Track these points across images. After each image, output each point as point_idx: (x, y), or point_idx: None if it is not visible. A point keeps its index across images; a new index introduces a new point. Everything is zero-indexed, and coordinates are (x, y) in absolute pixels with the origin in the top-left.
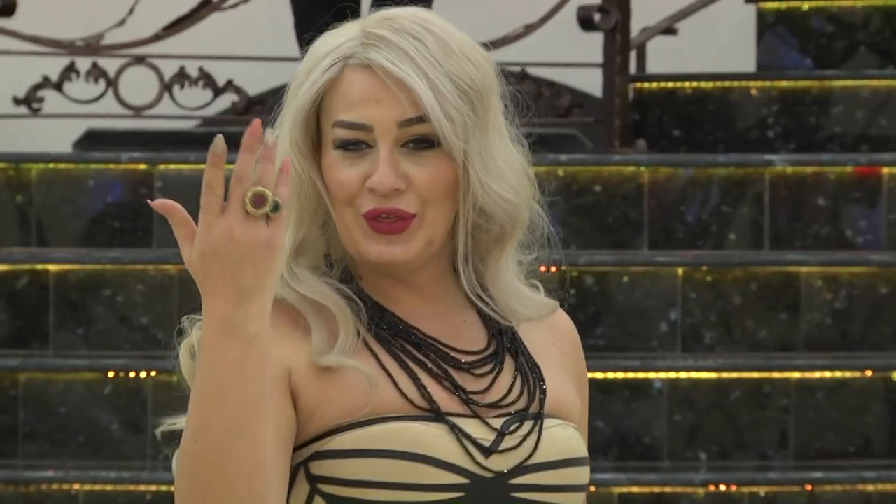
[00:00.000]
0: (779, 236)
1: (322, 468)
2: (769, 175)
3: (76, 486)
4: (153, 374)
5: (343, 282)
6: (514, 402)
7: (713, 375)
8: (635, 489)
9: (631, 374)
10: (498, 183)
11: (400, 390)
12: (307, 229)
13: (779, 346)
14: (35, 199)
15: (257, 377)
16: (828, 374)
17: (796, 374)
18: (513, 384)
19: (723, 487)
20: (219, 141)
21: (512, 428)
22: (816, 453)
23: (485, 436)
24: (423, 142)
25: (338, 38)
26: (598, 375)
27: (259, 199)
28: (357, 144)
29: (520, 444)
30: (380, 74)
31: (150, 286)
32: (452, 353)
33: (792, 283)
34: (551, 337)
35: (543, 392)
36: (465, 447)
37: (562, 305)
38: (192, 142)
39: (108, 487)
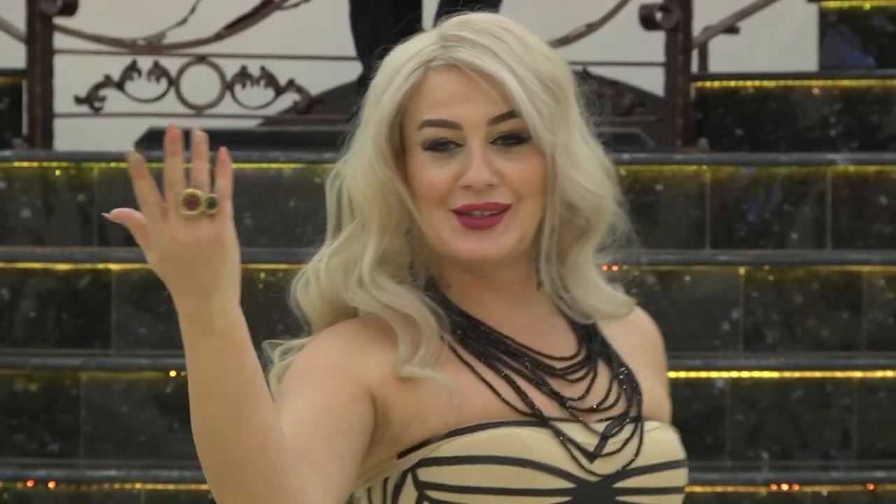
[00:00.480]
0: (841, 235)
1: (430, 475)
2: (831, 174)
3: (138, 486)
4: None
5: (427, 290)
6: (612, 406)
7: (775, 375)
8: (697, 489)
9: (693, 374)
10: (583, 176)
11: (501, 398)
12: (391, 238)
13: (841, 345)
14: (97, 198)
15: (237, 368)
16: (890, 374)
17: (858, 374)
18: (609, 389)
19: (785, 487)
20: (131, 156)
21: (614, 432)
22: (879, 453)
23: (588, 440)
24: (512, 138)
25: (415, 46)
26: None
27: (191, 201)
28: (446, 144)
29: (622, 447)
30: (466, 72)
31: None
32: (546, 360)
33: (854, 282)
34: (636, 338)
35: (640, 395)
36: (570, 451)
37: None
38: (254, 141)
39: (170, 487)
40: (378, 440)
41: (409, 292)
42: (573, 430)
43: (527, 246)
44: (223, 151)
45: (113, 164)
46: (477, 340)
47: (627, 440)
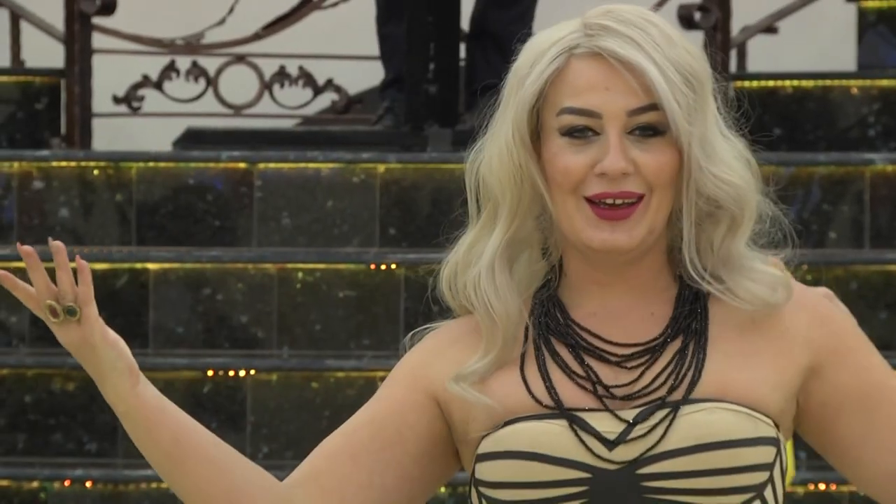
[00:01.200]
0: (879, 235)
1: (477, 471)
2: (870, 174)
3: None
4: (252, 373)
5: (547, 275)
6: (655, 391)
7: None
8: None
9: None
10: (719, 167)
11: (531, 392)
12: (521, 221)
13: (879, 345)
14: (135, 197)
15: (151, 443)
16: None
17: None
18: (660, 373)
19: (822, 486)
20: (21, 250)
21: (644, 417)
22: None
23: (612, 428)
24: (649, 129)
25: (559, 32)
26: None
27: (53, 312)
28: (583, 132)
29: (648, 432)
30: (610, 61)
31: (249, 285)
32: (607, 349)
33: (892, 281)
34: (774, 320)
35: (696, 377)
36: (583, 442)
37: None
38: (292, 140)
39: None
40: (459, 440)
41: (512, 295)
42: (598, 419)
43: (656, 237)
44: (79, 259)
45: (151, 164)
46: (549, 329)
47: (656, 425)
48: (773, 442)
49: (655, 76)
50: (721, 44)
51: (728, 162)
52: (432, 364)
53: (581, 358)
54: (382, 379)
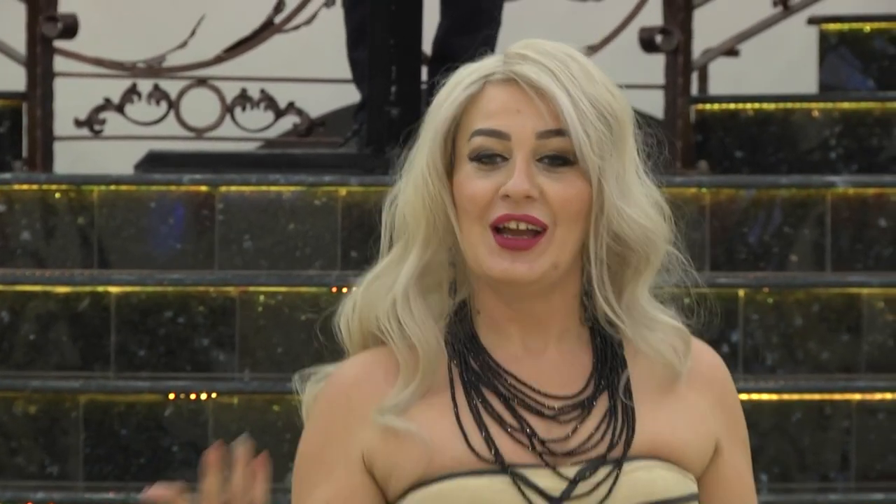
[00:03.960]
0: (841, 258)
1: None
2: (831, 196)
3: None
4: (214, 395)
5: (458, 312)
6: (593, 448)
7: (774, 397)
8: None
9: None
10: (631, 207)
11: (469, 445)
12: (434, 251)
13: (841, 367)
14: (97, 220)
15: None
16: (889, 396)
17: (858, 396)
18: (596, 429)
19: None
20: (208, 459)
21: (586, 475)
22: (878, 475)
23: (554, 485)
24: (559, 158)
25: (480, 64)
26: None
27: None
28: (492, 157)
29: (592, 490)
30: (522, 86)
31: (211, 308)
32: (540, 399)
33: (854, 304)
34: (685, 377)
35: (630, 435)
36: (527, 499)
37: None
38: (254, 164)
39: None
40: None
41: (430, 322)
42: (540, 476)
43: (561, 274)
44: (261, 461)
45: (113, 187)
46: (475, 375)
47: (599, 483)
48: (697, 498)
49: (564, 103)
50: (682, 67)
51: (641, 204)
52: (354, 426)
53: (513, 409)
54: None
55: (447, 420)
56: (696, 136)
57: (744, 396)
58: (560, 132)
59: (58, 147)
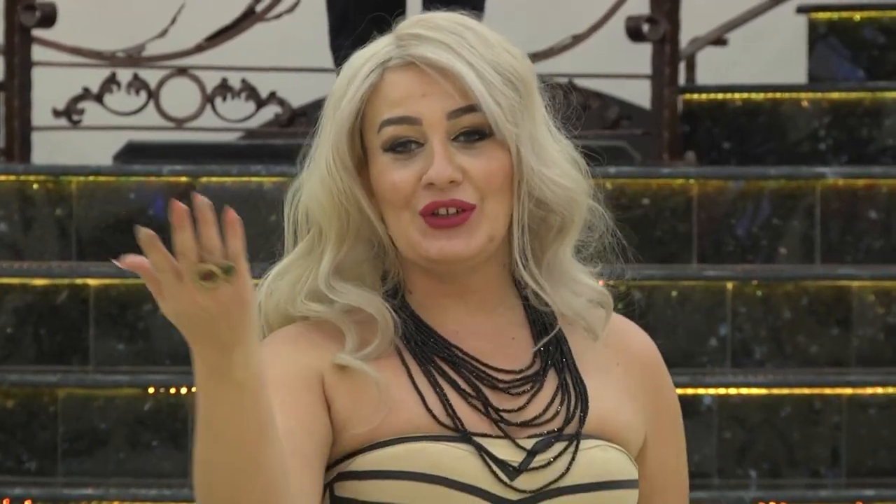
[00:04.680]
0: (830, 250)
1: (344, 489)
2: (820, 188)
3: None
4: (194, 390)
5: (392, 295)
6: (548, 421)
7: (763, 391)
8: None
9: (680, 391)
10: (550, 169)
11: (427, 408)
12: (348, 249)
13: (830, 361)
14: (75, 212)
15: (253, 415)
16: (880, 390)
17: (848, 391)
18: (550, 403)
19: None
20: (142, 232)
21: (543, 448)
22: (868, 470)
23: (512, 457)
24: (474, 133)
25: (371, 49)
26: None
27: (207, 275)
28: (406, 145)
29: (549, 464)
30: (423, 68)
31: None
32: (490, 372)
33: (844, 297)
34: (617, 357)
35: (584, 411)
36: (489, 467)
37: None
38: (235, 154)
39: None
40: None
41: (368, 292)
42: (498, 446)
43: (497, 246)
44: (229, 212)
45: (91, 178)
46: (423, 347)
47: (557, 457)
48: (637, 485)
49: (470, 78)
50: (669, 56)
51: (559, 164)
52: (311, 358)
53: (467, 377)
54: None
55: (401, 381)
56: (683, 127)
57: (732, 391)
58: (471, 108)
59: (36, 137)
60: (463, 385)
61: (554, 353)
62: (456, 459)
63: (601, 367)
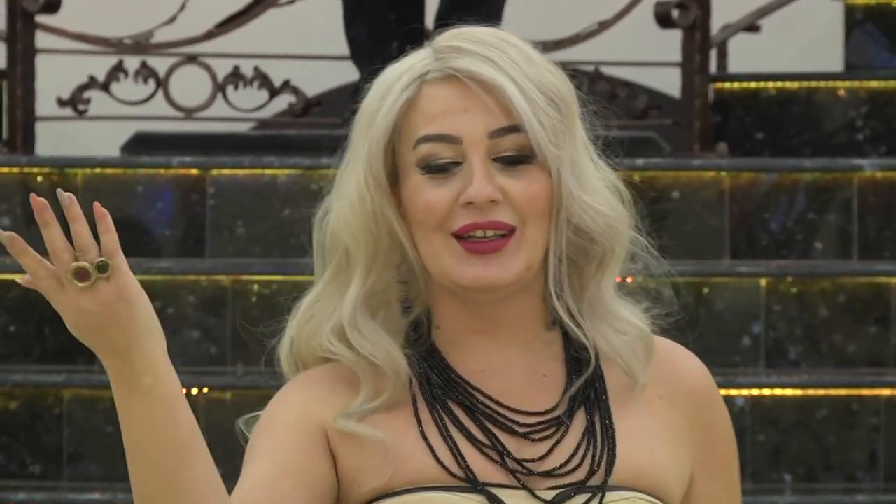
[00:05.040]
0: (868, 245)
1: None
2: (858, 180)
3: None
4: (205, 391)
5: (417, 328)
6: (572, 471)
7: (798, 392)
8: None
9: None
10: (591, 196)
11: (438, 460)
12: (378, 275)
13: (868, 361)
14: (81, 205)
15: (170, 426)
16: None
17: (887, 391)
18: (574, 452)
19: None
20: (3, 235)
21: (563, 501)
22: None
23: None
24: (515, 154)
25: (407, 63)
26: None
27: (82, 273)
28: (444, 167)
29: None
30: (465, 81)
31: (202, 298)
32: (510, 416)
33: (882, 294)
34: (660, 389)
35: (612, 459)
36: None
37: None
38: (247, 145)
39: None
40: (343, 495)
41: (385, 337)
42: (514, 497)
43: (534, 275)
44: (97, 206)
45: (98, 170)
46: (441, 390)
47: None
48: None
49: (515, 95)
50: (700, 43)
51: (600, 191)
52: (319, 410)
53: (482, 424)
54: None
55: (411, 433)
56: (714, 117)
57: (766, 392)
58: (514, 128)
59: (39, 128)
60: (477, 434)
61: (586, 390)
62: None
63: (640, 401)
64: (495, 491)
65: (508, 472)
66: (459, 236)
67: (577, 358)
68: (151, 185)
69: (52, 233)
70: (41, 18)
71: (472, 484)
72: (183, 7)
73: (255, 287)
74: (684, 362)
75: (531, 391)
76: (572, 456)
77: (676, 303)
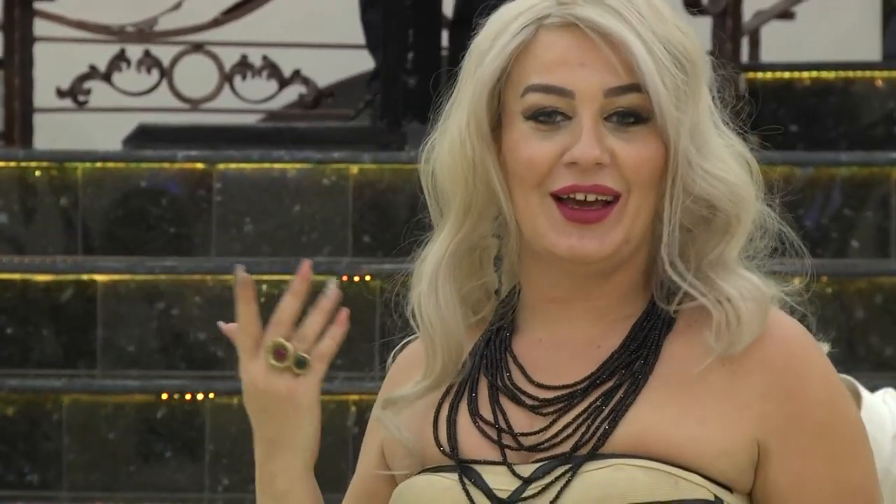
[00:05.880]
0: None
1: None
2: None
3: None
4: (211, 396)
5: (502, 292)
6: (560, 444)
7: None
8: None
9: None
10: (711, 163)
11: (436, 436)
12: (472, 226)
13: None
14: (81, 202)
15: None
16: None
17: None
18: (573, 422)
19: None
20: (240, 274)
21: (541, 475)
22: None
23: (505, 486)
24: (630, 115)
25: (526, 2)
26: None
27: (280, 353)
28: (552, 115)
29: (542, 490)
30: (586, 32)
31: (208, 298)
32: (528, 390)
33: None
34: (725, 359)
35: (608, 431)
36: (471, 499)
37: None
38: (256, 138)
39: None
40: None
41: (456, 312)
42: (493, 474)
43: (634, 248)
44: (343, 314)
45: (99, 165)
46: (487, 362)
47: (551, 483)
48: None
49: (640, 51)
50: (731, 30)
51: (723, 158)
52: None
53: (497, 399)
54: (356, 403)
55: (429, 414)
56: (746, 108)
57: None
58: (633, 87)
59: (38, 120)
60: (484, 411)
61: (631, 359)
62: (441, 491)
63: (695, 373)
64: (479, 468)
65: (500, 448)
66: (558, 198)
67: (648, 331)
68: (155, 181)
69: (292, 302)
70: (40, 5)
71: (455, 461)
72: None
73: (264, 287)
74: (770, 329)
75: (573, 363)
76: (565, 427)
77: (805, 293)
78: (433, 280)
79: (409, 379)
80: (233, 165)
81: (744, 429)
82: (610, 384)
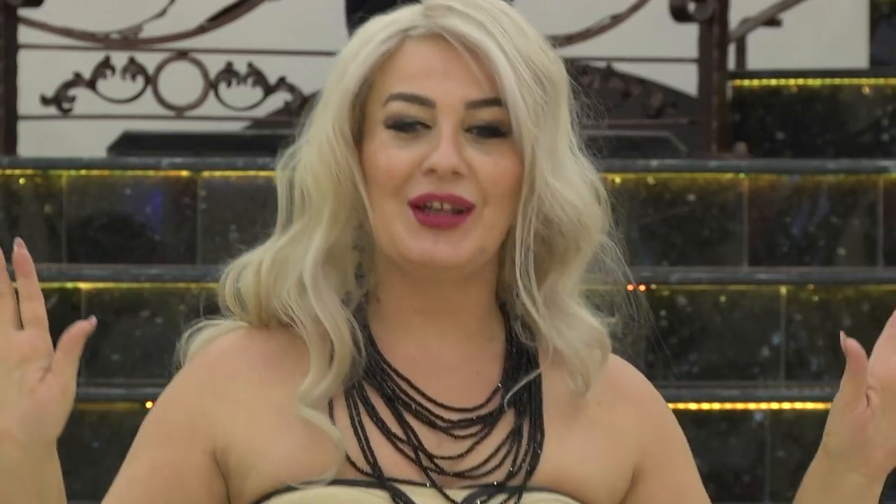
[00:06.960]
0: (894, 251)
1: None
2: (884, 183)
3: None
4: None
5: (361, 301)
6: (489, 473)
7: (821, 406)
8: None
9: (729, 405)
10: (565, 186)
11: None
12: (340, 232)
13: None
14: (65, 209)
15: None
16: None
17: None
18: (495, 452)
19: None
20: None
21: (477, 502)
22: None
23: None
24: (489, 129)
25: (393, 16)
26: (692, 406)
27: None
28: (412, 125)
29: None
30: (452, 44)
31: (193, 307)
32: (434, 410)
33: None
34: (600, 396)
35: (533, 464)
36: None
37: (654, 329)
38: (241, 145)
39: None
40: (234, 495)
41: (341, 310)
42: (423, 496)
43: (486, 260)
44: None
45: (83, 172)
46: (365, 374)
47: None
48: None
49: (503, 65)
50: (718, 38)
51: (574, 183)
52: (212, 409)
53: (401, 416)
54: None
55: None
56: (733, 116)
57: (787, 405)
58: (494, 101)
59: (22, 127)
60: (392, 426)
61: (521, 393)
62: None
63: (577, 406)
64: (403, 488)
65: (421, 468)
66: (415, 206)
67: (520, 359)
68: (140, 188)
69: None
70: (24, 12)
71: (377, 478)
72: (173, 0)
73: None
74: (628, 373)
75: (462, 386)
76: (491, 456)
77: (636, 312)
78: (314, 274)
79: (231, 389)
80: (218, 173)
81: (625, 459)
82: (511, 415)
